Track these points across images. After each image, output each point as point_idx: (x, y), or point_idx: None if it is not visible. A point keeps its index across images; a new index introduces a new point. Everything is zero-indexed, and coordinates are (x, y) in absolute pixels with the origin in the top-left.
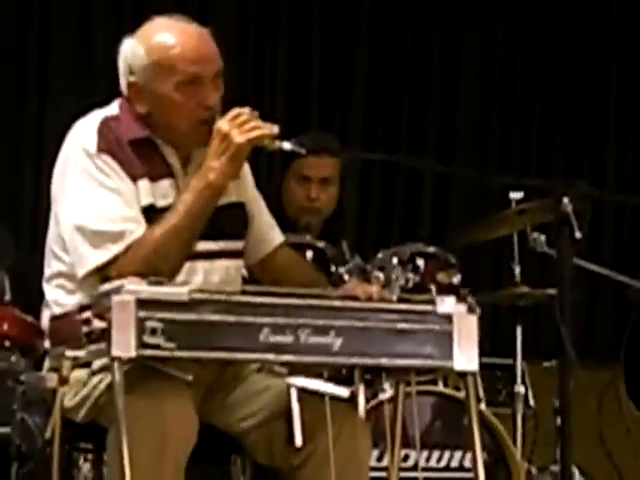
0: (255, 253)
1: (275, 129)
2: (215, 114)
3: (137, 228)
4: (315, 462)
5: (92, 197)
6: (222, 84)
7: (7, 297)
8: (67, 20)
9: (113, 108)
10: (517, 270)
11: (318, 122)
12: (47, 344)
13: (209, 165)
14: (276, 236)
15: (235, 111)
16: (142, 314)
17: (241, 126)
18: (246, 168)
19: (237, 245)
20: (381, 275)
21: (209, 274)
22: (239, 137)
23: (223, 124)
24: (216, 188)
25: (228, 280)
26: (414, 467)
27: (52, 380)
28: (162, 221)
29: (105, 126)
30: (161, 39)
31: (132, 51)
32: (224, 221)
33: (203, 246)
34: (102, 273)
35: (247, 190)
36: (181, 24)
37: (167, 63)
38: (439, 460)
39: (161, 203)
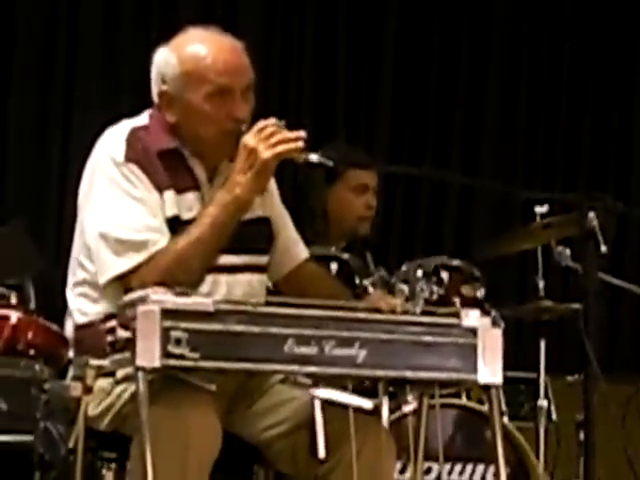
0: (280, 268)
1: (301, 142)
2: (242, 127)
3: (160, 238)
4: (338, 473)
5: (117, 206)
6: (253, 97)
7: (32, 306)
8: (95, 24)
9: (143, 118)
10: (541, 284)
11: (344, 135)
12: (71, 353)
13: (236, 180)
14: (301, 251)
15: (261, 124)
16: (167, 324)
17: (267, 140)
18: (272, 183)
19: (261, 260)
20: (405, 287)
21: (232, 287)
22: (265, 152)
23: (249, 139)
24: (242, 203)
25: (252, 294)
26: None
27: (76, 389)
28: (186, 233)
29: (134, 136)
30: (194, 50)
31: (165, 60)
32: (249, 236)
33: (226, 260)
34: (123, 282)
35: (273, 205)
36: (214, 36)
37: (198, 73)
38: (461, 473)
39: (186, 215)
